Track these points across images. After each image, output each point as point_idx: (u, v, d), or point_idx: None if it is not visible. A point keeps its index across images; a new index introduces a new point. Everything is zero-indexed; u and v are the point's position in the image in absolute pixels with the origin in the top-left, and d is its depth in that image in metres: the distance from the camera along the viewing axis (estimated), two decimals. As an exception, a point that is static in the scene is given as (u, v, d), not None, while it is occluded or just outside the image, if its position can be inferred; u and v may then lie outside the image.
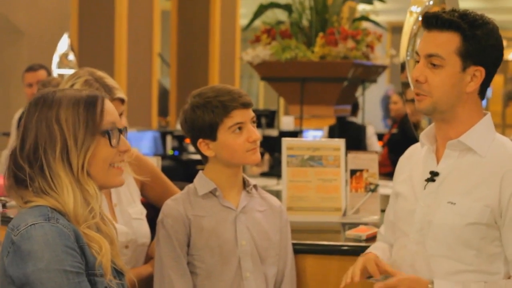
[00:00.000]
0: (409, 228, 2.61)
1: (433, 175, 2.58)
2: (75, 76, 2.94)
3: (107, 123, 2.23)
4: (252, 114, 2.94)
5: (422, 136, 2.65)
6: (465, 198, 2.50)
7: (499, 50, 2.54)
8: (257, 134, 2.91)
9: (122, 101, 2.97)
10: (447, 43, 2.49)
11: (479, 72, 2.51)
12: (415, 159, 2.70)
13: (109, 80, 2.95)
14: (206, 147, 2.94)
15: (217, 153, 2.94)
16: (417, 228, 2.58)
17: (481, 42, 2.49)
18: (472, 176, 2.52)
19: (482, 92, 2.57)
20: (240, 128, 2.89)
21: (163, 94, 13.13)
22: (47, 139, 2.17)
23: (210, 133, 2.90)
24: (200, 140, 2.94)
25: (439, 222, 2.53)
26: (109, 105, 2.26)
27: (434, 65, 2.50)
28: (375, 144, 9.25)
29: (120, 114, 2.96)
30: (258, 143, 2.94)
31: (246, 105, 2.91)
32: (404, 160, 2.79)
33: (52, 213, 2.13)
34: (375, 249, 2.78)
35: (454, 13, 2.52)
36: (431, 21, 2.52)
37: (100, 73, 2.97)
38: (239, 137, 2.89)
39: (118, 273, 2.30)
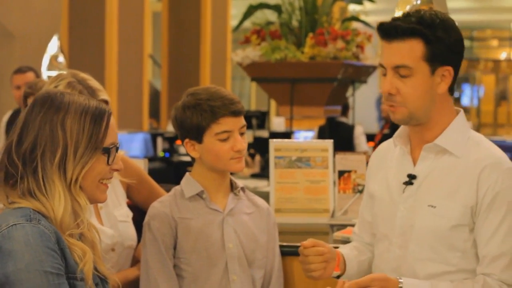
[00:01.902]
0: (390, 232, 2.58)
1: (411, 178, 2.55)
2: (58, 78, 2.92)
3: (109, 141, 2.22)
4: (242, 123, 2.91)
5: (395, 137, 2.61)
6: (445, 201, 2.47)
7: (461, 44, 2.50)
8: (242, 144, 2.88)
9: (106, 102, 2.94)
10: (412, 51, 2.44)
11: (448, 72, 2.47)
12: (389, 158, 2.66)
13: (92, 82, 2.92)
14: (192, 148, 2.93)
15: (202, 155, 2.92)
16: (399, 232, 2.55)
17: (444, 42, 2.44)
18: (450, 178, 2.49)
19: (451, 89, 2.53)
20: (227, 136, 2.86)
21: (154, 96, 13.11)
22: (48, 142, 2.14)
23: (197, 135, 2.88)
24: (187, 140, 2.93)
25: (421, 226, 2.50)
26: (113, 122, 2.25)
27: (402, 75, 2.46)
28: (363, 144, 9.24)
29: None
30: (245, 152, 2.91)
31: (236, 113, 2.87)
32: (377, 158, 2.74)
33: (34, 214, 2.11)
34: (344, 248, 2.75)
35: (410, 18, 2.45)
36: (390, 32, 2.46)
37: (83, 75, 2.95)
38: (224, 144, 2.87)
39: (102, 280, 2.29)
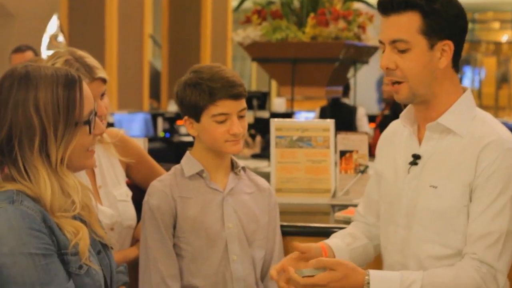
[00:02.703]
0: (396, 213, 2.55)
1: (415, 158, 2.51)
2: (55, 56, 2.88)
3: (87, 111, 2.14)
4: (241, 106, 2.86)
5: (402, 117, 2.58)
6: (446, 181, 2.43)
7: (462, 18, 2.45)
8: (239, 128, 2.83)
9: (103, 81, 2.91)
10: (408, 24, 2.40)
11: (448, 46, 2.42)
12: (398, 138, 2.63)
13: (89, 60, 2.88)
14: (191, 126, 2.90)
15: (199, 134, 2.90)
16: (403, 213, 2.52)
17: (442, 15, 2.40)
18: (452, 158, 2.45)
19: (455, 65, 2.48)
20: (224, 118, 2.83)
21: (155, 76, 13.07)
22: (24, 129, 2.06)
23: (195, 114, 2.86)
24: (186, 117, 2.90)
25: (423, 207, 2.47)
26: (85, 88, 2.16)
27: (400, 50, 2.42)
28: (365, 126, 9.21)
29: (102, 95, 2.91)
30: (243, 135, 2.87)
31: (235, 97, 2.83)
32: (387, 138, 2.71)
33: (17, 196, 2.06)
34: (336, 236, 2.71)
35: None
36: (387, 6, 2.43)
37: (80, 53, 2.91)
38: (221, 126, 2.83)
39: (104, 246, 2.26)
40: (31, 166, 2.08)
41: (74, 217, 2.16)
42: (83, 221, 2.19)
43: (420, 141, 2.53)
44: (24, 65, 2.14)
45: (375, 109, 14.45)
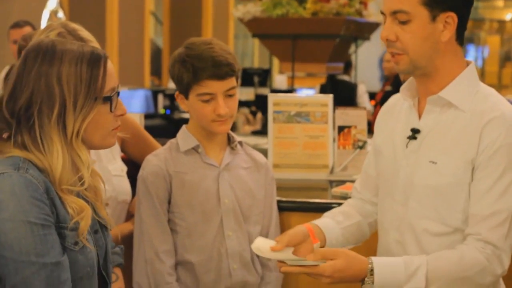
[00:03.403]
0: (393, 189, 2.49)
1: (415, 132, 2.45)
2: (49, 29, 2.83)
3: (109, 87, 2.13)
4: (228, 86, 2.80)
5: (402, 90, 2.51)
6: (446, 157, 2.37)
7: None
8: (225, 108, 2.78)
9: None
10: None
11: (451, 18, 2.35)
12: (397, 112, 2.58)
13: (83, 33, 2.83)
14: (182, 102, 2.88)
15: (189, 110, 2.87)
16: (400, 189, 2.46)
17: None
18: (453, 133, 2.38)
19: (459, 38, 2.41)
20: (209, 98, 2.79)
21: (156, 53, 13.02)
22: (45, 98, 2.06)
23: (184, 91, 2.83)
24: (177, 93, 2.88)
25: (421, 183, 2.41)
26: (110, 66, 2.16)
27: (401, 21, 2.35)
28: (366, 103, 9.18)
29: None
30: (230, 115, 2.82)
31: (220, 77, 2.78)
32: (386, 112, 2.65)
33: (23, 163, 2.05)
34: (327, 216, 2.65)
35: None
36: None
37: (73, 25, 2.86)
38: (206, 106, 2.79)
39: (102, 226, 2.25)
40: (46, 136, 2.07)
41: (78, 195, 2.15)
42: (86, 201, 2.18)
43: (420, 115, 2.47)
44: (52, 41, 2.13)
45: (378, 87, 14.37)
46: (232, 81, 2.82)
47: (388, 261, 2.33)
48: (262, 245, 2.35)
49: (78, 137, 2.09)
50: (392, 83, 8.60)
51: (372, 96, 9.52)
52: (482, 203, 2.32)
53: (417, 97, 2.49)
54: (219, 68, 2.77)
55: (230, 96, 2.82)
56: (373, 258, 2.30)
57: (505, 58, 20.82)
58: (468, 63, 2.44)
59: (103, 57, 2.14)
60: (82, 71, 2.08)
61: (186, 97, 2.83)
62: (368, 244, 2.67)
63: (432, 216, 2.39)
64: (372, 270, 2.28)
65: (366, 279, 2.28)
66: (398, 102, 2.59)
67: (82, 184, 2.11)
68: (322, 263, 2.25)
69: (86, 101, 2.08)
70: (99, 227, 2.23)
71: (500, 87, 20.02)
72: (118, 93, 2.17)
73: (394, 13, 2.36)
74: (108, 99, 2.12)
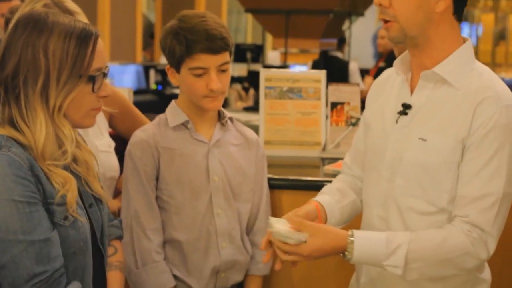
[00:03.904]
0: (380, 164, 2.43)
1: (406, 107, 2.38)
2: (34, 0, 2.76)
3: (95, 67, 2.09)
4: (222, 60, 2.73)
5: (396, 63, 2.45)
6: (437, 134, 2.30)
7: None
8: (217, 84, 2.71)
9: None
10: None
11: None
12: (389, 86, 2.51)
13: (69, 4, 2.77)
14: (172, 76, 2.81)
15: (180, 85, 2.80)
16: (387, 165, 2.40)
17: None
18: (445, 110, 2.32)
19: (457, 13, 2.35)
20: (201, 72, 2.71)
21: (148, 28, 12.93)
22: (31, 68, 2.04)
23: (175, 64, 2.76)
24: (168, 66, 2.81)
25: (409, 160, 2.34)
26: (100, 45, 2.11)
27: None
28: (358, 80, 9.12)
29: None
30: (222, 91, 2.75)
31: (214, 51, 2.70)
32: (378, 86, 2.59)
33: (6, 142, 2.03)
34: (326, 192, 2.61)
35: None
36: None
37: None
38: (198, 80, 2.72)
39: (96, 199, 2.22)
40: (31, 107, 2.05)
41: (65, 169, 2.12)
42: (75, 174, 2.16)
43: (412, 90, 2.41)
44: (45, 12, 2.11)
45: (371, 64, 14.33)
46: (226, 56, 2.75)
47: (370, 235, 2.28)
48: (282, 228, 2.27)
49: (60, 112, 2.06)
50: (386, 60, 8.54)
51: (365, 72, 9.46)
52: (472, 185, 2.25)
53: (410, 72, 2.42)
54: (213, 42, 2.69)
55: (223, 71, 2.75)
56: (355, 232, 2.27)
57: (499, 37, 20.77)
58: (464, 40, 2.38)
59: (94, 35, 2.09)
60: (69, 46, 2.04)
61: (178, 71, 2.75)
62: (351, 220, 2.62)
63: (418, 195, 2.33)
64: (352, 243, 2.24)
65: (346, 252, 2.25)
66: (391, 76, 2.53)
67: (66, 159, 2.08)
68: (303, 243, 2.23)
69: (70, 77, 2.05)
70: (93, 201, 2.21)
71: (493, 65, 19.98)
72: (105, 74, 2.13)
73: None
74: (92, 79, 2.08)
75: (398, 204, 2.37)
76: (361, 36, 12.88)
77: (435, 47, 2.34)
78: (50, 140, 2.05)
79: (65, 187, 2.06)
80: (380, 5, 2.32)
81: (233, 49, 2.79)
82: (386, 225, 2.40)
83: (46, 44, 2.03)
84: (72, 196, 2.07)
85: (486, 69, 2.37)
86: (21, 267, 1.97)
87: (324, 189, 2.63)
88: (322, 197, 2.56)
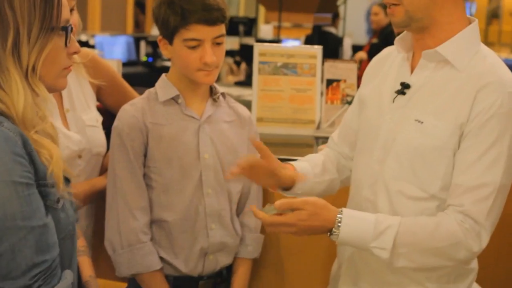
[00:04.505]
0: (372, 144, 2.35)
1: (404, 87, 2.30)
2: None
3: (64, 18, 1.92)
4: (217, 33, 2.62)
5: (397, 41, 2.36)
6: (434, 117, 2.21)
7: None
8: (212, 57, 2.60)
9: None
10: None
11: None
12: (388, 64, 2.42)
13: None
14: (165, 47, 2.69)
15: (173, 58, 2.69)
16: (380, 145, 2.32)
17: None
18: (445, 93, 2.22)
19: None
20: (196, 44, 2.60)
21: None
22: None
23: (168, 35, 2.64)
24: (160, 37, 2.69)
25: (402, 142, 2.26)
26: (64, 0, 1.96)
27: None
28: (349, 57, 9.06)
29: (71, 10, 2.67)
30: (217, 65, 2.64)
31: (209, 22, 2.59)
32: (377, 63, 2.50)
33: None
34: (307, 162, 2.54)
35: None
36: None
37: None
38: (192, 52, 2.61)
39: (65, 179, 2.02)
40: (3, 68, 1.86)
41: None
42: None
43: (412, 70, 2.32)
44: None
45: (364, 40, 14.25)
46: (222, 28, 2.64)
47: (359, 214, 2.21)
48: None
49: (34, 72, 1.88)
50: (379, 36, 8.46)
51: (358, 49, 9.37)
52: (468, 174, 2.16)
53: (411, 51, 2.33)
54: (210, 13, 2.58)
55: (218, 44, 2.64)
56: (344, 210, 2.19)
57: (492, 15, 20.70)
58: (471, 21, 2.28)
59: None
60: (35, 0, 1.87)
61: (170, 42, 2.64)
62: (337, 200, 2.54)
63: (409, 179, 2.25)
64: (340, 221, 2.16)
65: (333, 229, 2.17)
66: (391, 54, 2.45)
67: (45, 122, 1.91)
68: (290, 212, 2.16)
69: (42, 31, 1.87)
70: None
71: (486, 44, 19.82)
72: (71, 28, 1.95)
73: None
74: (65, 30, 1.90)
75: (388, 187, 2.29)
76: (355, 12, 12.76)
77: (440, 27, 2.25)
78: (28, 105, 1.86)
79: (52, 160, 1.87)
80: None
81: (228, 22, 2.69)
82: (374, 208, 2.32)
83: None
84: (59, 169, 1.88)
85: (491, 52, 2.28)
86: (20, 256, 1.78)
87: (308, 157, 2.56)
88: (301, 163, 2.50)
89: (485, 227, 2.16)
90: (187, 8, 2.57)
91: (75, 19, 2.70)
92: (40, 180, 1.85)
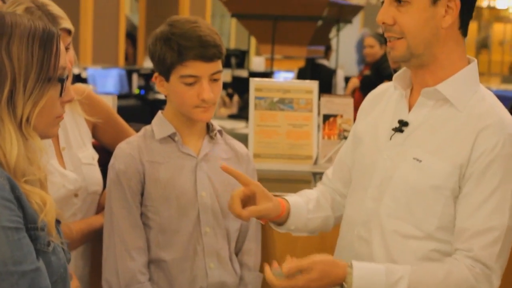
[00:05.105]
0: (367, 181, 2.33)
1: (402, 124, 2.28)
2: (16, 3, 2.63)
3: (61, 66, 1.91)
4: (215, 69, 2.61)
5: (395, 78, 2.35)
6: (433, 156, 2.20)
7: None
8: (209, 93, 2.58)
9: (68, 32, 2.65)
10: None
11: (453, 3, 2.20)
12: (385, 100, 2.41)
13: (53, 8, 2.63)
14: (161, 84, 2.67)
15: (169, 94, 2.66)
16: (376, 183, 2.30)
17: None
18: (444, 132, 2.22)
19: (463, 27, 2.26)
20: (193, 81, 2.58)
21: (132, 31, 12.82)
22: None
23: (164, 71, 2.62)
24: (156, 74, 2.67)
25: (400, 180, 2.24)
26: (62, 46, 1.94)
27: (399, 1, 2.20)
28: (342, 90, 9.07)
29: (67, 48, 2.65)
30: (214, 101, 2.63)
31: (207, 59, 2.58)
32: (373, 99, 2.49)
33: None
34: (300, 197, 2.51)
35: None
36: None
37: (43, 0, 2.65)
38: (190, 89, 2.59)
39: (56, 221, 1.99)
40: None
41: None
42: None
43: (410, 107, 2.31)
44: (2, 14, 1.90)
45: (355, 71, 14.28)
46: (218, 64, 2.62)
47: (369, 267, 2.18)
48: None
49: (28, 123, 1.87)
50: (372, 68, 8.47)
51: (348, 80, 9.39)
52: (475, 218, 2.16)
53: (410, 89, 2.32)
54: (207, 49, 2.57)
55: (215, 80, 2.62)
56: (354, 263, 2.16)
57: (481, 45, 20.81)
58: (470, 61, 2.28)
59: (56, 35, 1.91)
60: (34, 49, 1.86)
61: (167, 79, 2.62)
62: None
63: (405, 217, 2.23)
64: (351, 275, 2.14)
65: (344, 284, 2.15)
66: (388, 90, 2.44)
67: (40, 173, 1.90)
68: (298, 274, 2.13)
69: (38, 83, 1.86)
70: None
71: (476, 74, 20.00)
72: (67, 77, 1.95)
73: None
74: (61, 81, 1.90)
75: (383, 225, 2.27)
76: (344, 43, 12.80)
77: (440, 65, 2.25)
78: (21, 155, 1.86)
79: (45, 208, 1.86)
80: (383, 23, 2.24)
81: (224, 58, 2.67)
82: (367, 246, 2.30)
83: (8, 47, 1.84)
84: (52, 217, 1.87)
85: (490, 93, 2.28)
86: None
87: (302, 192, 2.54)
88: (295, 198, 2.48)
89: (495, 271, 2.15)
90: (184, 44, 2.55)
91: (71, 56, 2.69)
92: (29, 224, 1.83)
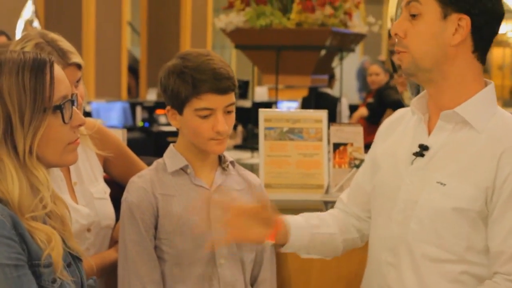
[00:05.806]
0: (391, 207, 2.33)
1: (423, 149, 2.29)
2: (25, 39, 2.64)
3: (58, 95, 1.91)
4: (229, 101, 2.61)
5: (412, 103, 2.36)
6: (456, 179, 2.21)
7: None
8: (224, 126, 2.59)
9: (78, 66, 2.66)
10: None
11: (464, 21, 2.21)
12: (403, 125, 2.42)
13: (63, 43, 2.64)
14: (173, 117, 2.67)
15: (182, 128, 2.66)
16: (400, 208, 2.30)
17: None
18: (466, 154, 2.22)
19: (478, 51, 2.26)
20: (208, 113, 2.59)
21: (134, 64, 12.87)
22: None
23: (178, 105, 2.62)
24: (169, 107, 2.67)
25: (425, 204, 2.24)
26: (58, 72, 1.93)
27: (413, 15, 2.23)
28: (347, 119, 9.08)
29: (77, 81, 2.66)
30: (228, 133, 2.63)
31: (222, 91, 2.58)
32: (390, 124, 2.50)
33: None
34: (303, 215, 2.51)
35: None
36: None
37: (53, 35, 2.66)
38: (204, 122, 2.59)
39: (74, 257, 2.02)
40: None
41: (44, 222, 1.93)
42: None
43: (430, 131, 2.31)
44: None
45: (356, 99, 14.31)
46: (232, 97, 2.63)
47: None
48: None
49: (31, 155, 1.87)
50: (375, 94, 8.48)
51: (353, 108, 9.40)
52: (510, 240, 2.16)
53: (428, 113, 2.33)
54: (221, 81, 2.57)
55: (229, 112, 2.63)
56: None
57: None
58: (487, 83, 2.29)
59: (48, 63, 1.91)
60: (24, 80, 1.86)
61: (180, 112, 2.61)
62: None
63: (433, 241, 2.23)
64: None
65: None
66: (405, 115, 2.45)
67: (44, 207, 1.89)
68: None
69: (34, 113, 1.86)
70: (71, 260, 2.01)
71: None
72: (72, 102, 1.94)
73: (408, 3, 2.23)
74: (58, 109, 1.89)
75: (411, 250, 2.26)
76: (345, 71, 12.85)
77: (453, 86, 2.25)
78: (24, 191, 1.86)
79: (50, 244, 1.86)
80: (395, 34, 2.26)
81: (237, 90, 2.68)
82: (397, 271, 2.29)
83: None
84: (58, 254, 1.88)
85: (509, 114, 2.29)
86: None
87: (303, 214, 2.53)
88: (293, 216, 2.48)
89: None
90: (198, 77, 2.55)
91: (81, 91, 2.70)
92: (33, 261, 1.84)
